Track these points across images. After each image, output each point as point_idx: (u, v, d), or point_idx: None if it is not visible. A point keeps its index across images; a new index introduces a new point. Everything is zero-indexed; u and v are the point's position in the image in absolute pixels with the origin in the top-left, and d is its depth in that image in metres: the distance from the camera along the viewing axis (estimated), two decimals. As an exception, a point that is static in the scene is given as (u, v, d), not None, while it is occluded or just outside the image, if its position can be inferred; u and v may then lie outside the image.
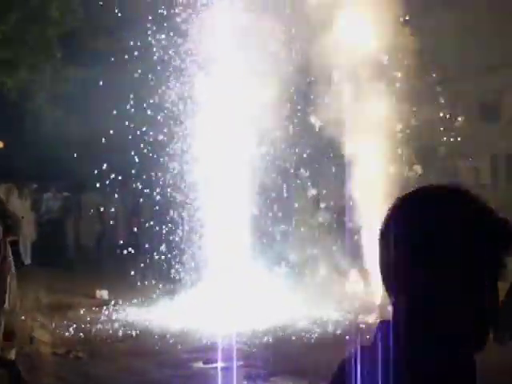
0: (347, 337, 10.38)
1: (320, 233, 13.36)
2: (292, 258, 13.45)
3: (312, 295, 12.36)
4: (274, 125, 12.56)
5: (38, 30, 16.09)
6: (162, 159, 12.90)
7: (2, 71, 16.20)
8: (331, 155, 13.43)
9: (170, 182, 12.89)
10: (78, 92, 16.80)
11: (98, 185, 17.61)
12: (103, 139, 14.54)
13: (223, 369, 8.61)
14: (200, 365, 8.91)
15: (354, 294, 12.78)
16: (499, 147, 19.23)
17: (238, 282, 11.82)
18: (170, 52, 12.87)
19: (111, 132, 14.19)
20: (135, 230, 14.73)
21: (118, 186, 17.40)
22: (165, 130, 12.89)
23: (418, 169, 13.14)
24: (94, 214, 18.00)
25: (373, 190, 12.39)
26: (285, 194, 13.69)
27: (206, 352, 9.36)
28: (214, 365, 8.82)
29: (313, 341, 10.22)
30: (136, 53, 13.63)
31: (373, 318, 11.43)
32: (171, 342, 10.08)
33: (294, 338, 10.34)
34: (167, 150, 12.93)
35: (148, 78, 12.95)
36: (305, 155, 13.58)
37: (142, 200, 14.10)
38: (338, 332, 10.72)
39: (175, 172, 12.88)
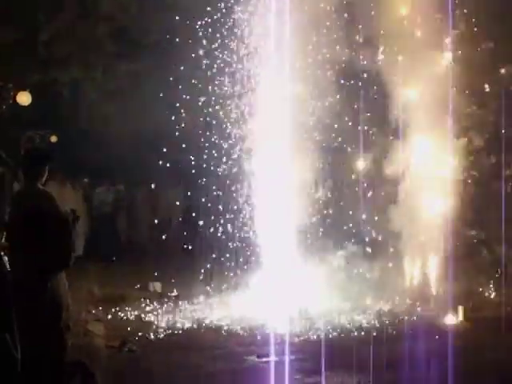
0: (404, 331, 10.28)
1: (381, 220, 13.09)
2: (348, 248, 13.25)
3: (368, 287, 12.24)
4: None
5: (89, 26, 16.25)
6: (215, 155, 12.85)
7: (55, 68, 16.42)
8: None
9: (225, 176, 12.84)
10: (130, 88, 16.93)
11: (151, 179, 17.79)
12: (154, 135, 14.59)
13: (277, 363, 8.56)
14: (254, 358, 8.85)
15: (414, 286, 12.59)
16: None
17: (292, 275, 11.72)
18: (223, 46, 12.82)
19: (163, 128, 14.22)
20: (188, 225, 14.74)
21: (172, 182, 17.49)
22: (216, 125, 12.86)
23: None
24: (146, 207, 18.15)
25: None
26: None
27: (260, 346, 9.31)
28: (268, 359, 8.77)
29: (368, 335, 10.05)
30: (187, 49, 13.62)
31: (430, 313, 11.24)
32: (225, 335, 10.06)
33: (348, 332, 10.22)
34: (221, 145, 12.88)
35: (201, 75, 12.90)
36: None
37: (195, 195, 14.06)
38: (393, 327, 10.55)
39: (230, 167, 12.83)
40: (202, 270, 12.69)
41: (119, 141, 16.46)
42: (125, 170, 18.29)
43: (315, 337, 9.97)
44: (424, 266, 12.59)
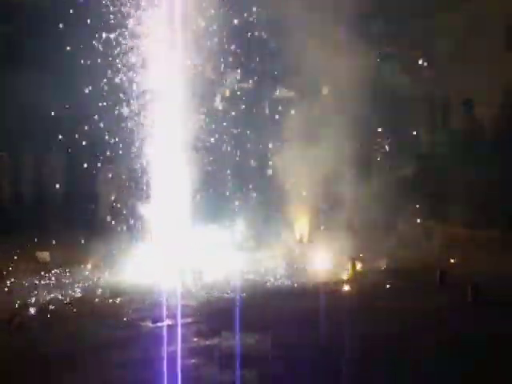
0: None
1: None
2: (238, 217, 13.56)
3: (255, 250, 12.58)
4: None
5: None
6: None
7: None
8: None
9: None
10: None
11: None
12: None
13: (172, 327, 8.61)
14: (149, 324, 8.87)
15: (293, 250, 13.07)
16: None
17: (182, 240, 11.79)
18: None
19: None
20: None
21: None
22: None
23: None
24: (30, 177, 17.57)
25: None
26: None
27: (154, 311, 9.33)
28: (163, 323, 8.81)
29: (259, 296, 10.34)
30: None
31: (324, 273, 11.69)
32: (118, 302, 10.02)
33: (240, 293, 10.42)
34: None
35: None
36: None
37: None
38: (285, 286, 10.91)
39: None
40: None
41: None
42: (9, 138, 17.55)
43: (210, 299, 10.13)
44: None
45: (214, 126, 13.25)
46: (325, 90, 14.37)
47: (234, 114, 13.80)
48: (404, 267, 11.75)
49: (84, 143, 13.22)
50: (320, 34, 12.75)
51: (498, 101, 15.80)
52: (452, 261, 12.17)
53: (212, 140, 13.31)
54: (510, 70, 15.25)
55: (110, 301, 10.11)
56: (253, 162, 14.28)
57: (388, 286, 10.53)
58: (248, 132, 14.17)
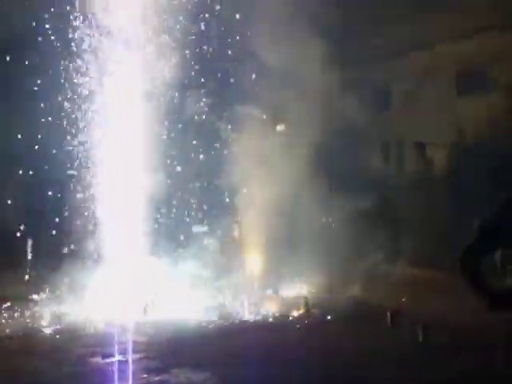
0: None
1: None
2: (192, 251, 13.46)
3: (211, 286, 12.51)
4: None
5: None
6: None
7: None
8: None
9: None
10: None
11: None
12: None
13: (122, 362, 8.47)
14: (98, 360, 8.71)
15: (251, 285, 13.02)
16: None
17: (135, 274, 11.67)
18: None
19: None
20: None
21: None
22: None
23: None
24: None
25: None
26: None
27: (104, 347, 9.17)
28: (113, 359, 8.66)
29: (212, 332, 10.27)
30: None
31: (275, 310, 11.66)
32: (66, 337, 9.83)
33: (192, 330, 10.35)
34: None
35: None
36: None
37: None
38: (236, 322, 10.87)
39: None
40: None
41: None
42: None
43: (161, 334, 10.01)
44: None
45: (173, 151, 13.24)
46: (281, 125, 14.49)
47: (191, 139, 13.76)
48: (357, 306, 11.81)
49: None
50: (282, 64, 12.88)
51: (449, 142, 16.24)
52: (403, 300, 12.26)
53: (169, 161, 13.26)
54: (460, 114, 15.80)
55: (58, 336, 9.92)
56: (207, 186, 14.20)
57: (340, 325, 10.53)
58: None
